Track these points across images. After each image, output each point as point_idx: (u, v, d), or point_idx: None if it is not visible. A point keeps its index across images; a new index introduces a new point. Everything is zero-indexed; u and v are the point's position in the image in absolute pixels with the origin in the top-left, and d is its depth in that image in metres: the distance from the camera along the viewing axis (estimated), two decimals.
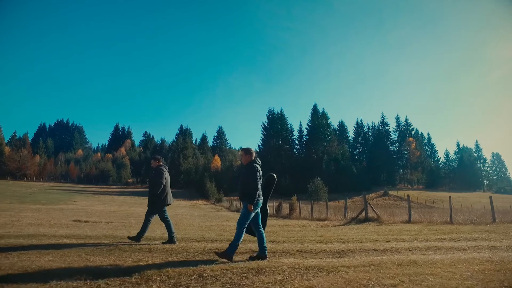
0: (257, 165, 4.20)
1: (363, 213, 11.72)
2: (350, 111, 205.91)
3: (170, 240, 5.49)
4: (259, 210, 4.23)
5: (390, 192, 60.26)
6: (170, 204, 5.74)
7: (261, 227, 4.32)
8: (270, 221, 14.15)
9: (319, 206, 21.31)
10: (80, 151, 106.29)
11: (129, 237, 5.61)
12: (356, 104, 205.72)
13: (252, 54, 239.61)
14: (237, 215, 23.26)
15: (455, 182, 72.60)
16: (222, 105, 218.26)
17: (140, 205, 28.71)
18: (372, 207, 11.82)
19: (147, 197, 5.89)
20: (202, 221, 12.86)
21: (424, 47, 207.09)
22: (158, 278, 2.99)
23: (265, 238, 4.26)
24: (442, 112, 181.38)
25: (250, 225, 4.25)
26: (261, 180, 4.24)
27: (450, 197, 11.85)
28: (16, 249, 4.40)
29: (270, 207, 24.11)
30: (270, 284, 2.88)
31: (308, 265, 3.66)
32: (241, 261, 4.01)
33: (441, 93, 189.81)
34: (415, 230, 8.45)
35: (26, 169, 67.23)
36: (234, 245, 3.97)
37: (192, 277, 3.05)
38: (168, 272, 3.18)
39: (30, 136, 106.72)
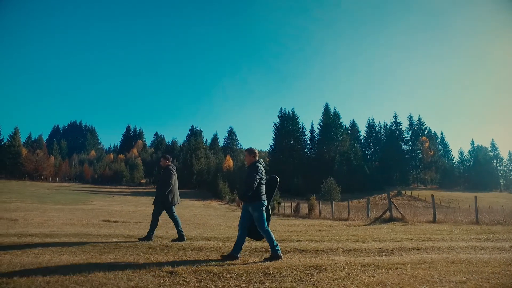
0: (260, 165, 4.22)
1: (388, 213, 11.72)
2: (362, 111, 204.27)
3: (180, 237, 5.63)
4: (264, 212, 4.16)
5: (404, 192, 59.52)
6: (177, 204, 5.85)
7: (245, 228, 4.24)
8: (293, 221, 14.28)
9: (336, 206, 21.29)
10: (93, 152, 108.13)
11: (139, 239, 5.65)
12: (367, 104, 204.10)
13: (263, 54, 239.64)
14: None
15: (470, 181, 71.28)
16: (232, 105, 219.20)
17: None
18: (396, 207, 11.82)
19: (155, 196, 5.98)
20: (226, 221, 13.04)
21: (437, 46, 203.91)
22: (228, 275, 3.14)
23: (244, 242, 4.21)
24: (455, 111, 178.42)
25: (253, 227, 4.23)
26: (264, 181, 4.23)
27: (475, 197, 11.74)
28: (80, 245, 4.65)
29: (287, 207, 24.36)
30: (339, 280, 2.99)
31: (362, 263, 3.75)
32: (257, 261, 4.12)
33: (454, 92, 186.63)
34: (445, 230, 8.44)
35: (42, 170, 68.80)
36: (273, 247, 4.02)
37: (260, 274, 3.20)
38: (235, 270, 3.33)
39: (45, 138, 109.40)
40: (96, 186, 63.73)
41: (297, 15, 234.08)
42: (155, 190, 6.25)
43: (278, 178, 4.55)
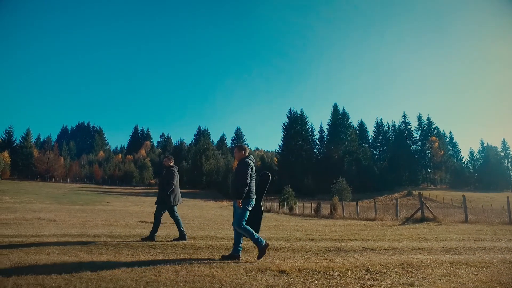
0: (250, 161, 4.09)
1: (419, 213, 11.77)
2: (370, 111, 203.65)
3: (182, 237, 5.69)
4: (248, 210, 4.01)
5: (414, 192, 59.26)
6: (178, 204, 5.92)
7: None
8: (319, 221, 14.36)
9: (349, 206, 21.29)
10: (101, 153, 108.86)
11: (143, 238, 5.71)
12: (375, 104, 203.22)
13: (270, 54, 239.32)
14: (268, 215, 23.61)
15: (480, 182, 70.76)
16: (239, 106, 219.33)
17: (176, 206, 29.40)
18: (427, 207, 11.85)
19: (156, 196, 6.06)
20: None
21: (445, 45, 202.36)
22: (332, 272, 3.25)
23: (242, 240, 4.09)
24: (464, 111, 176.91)
25: (249, 223, 4.06)
26: (255, 177, 4.12)
27: (508, 197, 11.69)
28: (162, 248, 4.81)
29: (307, 208, 24.41)
30: (445, 276, 3.10)
31: (447, 261, 3.83)
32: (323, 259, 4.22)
33: (462, 91, 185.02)
34: (487, 230, 8.45)
35: (54, 170, 69.70)
36: (257, 242, 3.87)
37: (362, 271, 3.31)
38: (334, 268, 3.43)
39: (53, 139, 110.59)
40: (107, 187, 64.33)
41: (304, 14, 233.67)
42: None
43: (270, 175, 4.41)
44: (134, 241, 5.48)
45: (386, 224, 11.09)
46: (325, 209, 19.30)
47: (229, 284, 2.72)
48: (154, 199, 6.65)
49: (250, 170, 3.98)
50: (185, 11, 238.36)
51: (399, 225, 10.91)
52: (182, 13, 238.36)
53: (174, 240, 5.65)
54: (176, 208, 5.95)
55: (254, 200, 4.05)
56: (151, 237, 5.65)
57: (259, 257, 3.86)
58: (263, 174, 4.39)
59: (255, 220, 4.17)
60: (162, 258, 3.94)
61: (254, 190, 4.06)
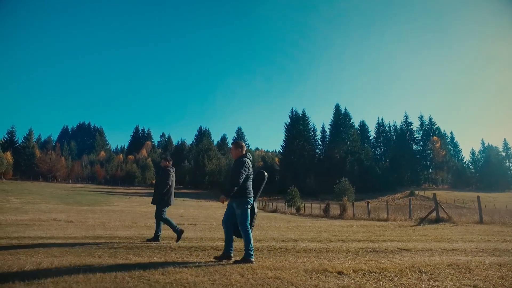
0: (247, 160, 3.99)
1: (433, 213, 11.85)
2: (371, 111, 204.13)
3: (155, 238, 5.67)
4: (249, 210, 3.93)
5: (416, 192, 59.46)
6: (171, 205, 5.90)
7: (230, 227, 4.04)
8: (330, 222, 14.41)
9: (356, 207, 21.35)
10: (102, 153, 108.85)
11: (148, 239, 5.74)
12: (377, 104, 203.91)
13: (270, 55, 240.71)
14: (276, 215, 23.69)
15: (482, 182, 70.93)
16: (240, 106, 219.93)
17: (182, 207, 29.47)
18: (442, 208, 11.92)
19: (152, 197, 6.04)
20: (269, 223, 13.21)
21: (445, 46, 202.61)
22: (388, 273, 3.33)
23: (233, 241, 4.03)
24: (464, 111, 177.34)
25: (233, 225, 4.00)
26: (251, 176, 4.01)
27: None
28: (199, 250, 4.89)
29: (316, 208, 24.50)
30: (505, 279, 3.17)
31: (494, 263, 3.89)
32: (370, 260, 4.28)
33: (462, 91, 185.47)
34: (508, 231, 8.53)
35: (56, 171, 69.67)
36: (248, 249, 3.79)
37: (417, 273, 3.38)
38: (387, 269, 3.50)
39: (54, 139, 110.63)
40: (109, 187, 64.29)
41: (304, 14, 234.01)
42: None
43: (266, 174, 4.33)
44: (170, 243, 5.54)
45: (402, 225, 11.16)
46: (334, 209, 19.35)
47: (302, 285, 2.79)
48: None
49: (246, 170, 3.89)
50: (185, 11, 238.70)
51: (415, 225, 10.97)
52: (182, 13, 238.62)
53: (148, 240, 5.66)
54: (166, 209, 5.90)
55: (252, 199, 3.96)
56: (179, 235, 5.66)
57: (239, 262, 3.71)
58: (259, 173, 4.31)
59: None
60: (210, 260, 3.99)
61: (251, 189, 3.98)
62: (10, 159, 63.47)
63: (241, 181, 3.82)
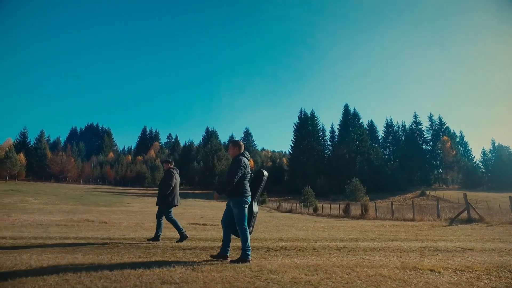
0: (244, 159, 3.98)
1: (465, 213, 11.83)
2: (379, 111, 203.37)
3: (182, 237, 5.72)
4: (246, 210, 3.89)
5: (427, 192, 59.08)
6: (176, 205, 5.96)
7: (228, 227, 4.02)
8: (355, 222, 14.43)
9: (371, 207, 21.28)
10: (111, 154, 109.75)
11: (148, 239, 5.81)
12: (384, 104, 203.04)
13: (278, 54, 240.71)
14: (293, 215, 23.71)
15: (493, 182, 70.16)
16: (246, 106, 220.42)
17: (197, 208, 29.67)
18: (473, 208, 11.89)
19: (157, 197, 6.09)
20: (295, 222, 13.30)
21: (454, 44, 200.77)
22: (471, 275, 3.40)
23: (230, 240, 3.97)
24: (473, 110, 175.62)
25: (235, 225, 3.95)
26: (249, 175, 3.99)
27: None
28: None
29: (334, 208, 24.46)
30: None
31: None
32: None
33: (472, 90, 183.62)
34: None
35: (67, 172, 70.38)
36: (245, 249, 3.74)
37: (506, 273, 3.44)
38: (474, 268, 3.57)
39: (62, 140, 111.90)
40: (120, 188, 64.83)
41: (314, 13, 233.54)
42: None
43: (265, 172, 4.25)
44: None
45: (434, 225, 11.14)
46: (355, 209, 19.35)
47: (412, 282, 2.86)
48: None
49: (242, 169, 3.86)
50: (192, 11, 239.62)
51: (447, 226, 10.96)
52: (189, 13, 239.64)
53: (177, 241, 5.66)
54: (172, 210, 6.02)
55: (249, 198, 3.92)
56: (182, 236, 5.70)
57: (235, 261, 3.69)
58: (257, 171, 4.26)
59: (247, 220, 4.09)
60: (279, 258, 4.09)
61: (249, 188, 3.95)
62: (23, 160, 64.42)
63: (235, 179, 3.80)
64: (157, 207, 5.96)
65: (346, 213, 19.28)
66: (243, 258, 3.69)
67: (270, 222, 13.86)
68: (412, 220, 13.84)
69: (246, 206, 3.87)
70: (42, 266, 3.32)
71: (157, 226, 5.90)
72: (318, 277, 2.92)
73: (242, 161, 3.90)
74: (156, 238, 5.78)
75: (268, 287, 2.59)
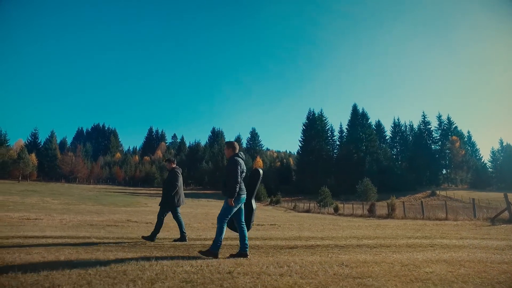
0: (239, 159, 4.10)
1: (505, 213, 11.86)
2: (386, 111, 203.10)
3: (182, 238, 5.69)
4: (242, 206, 4.08)
5: (437, 192, 58.97)
6: (182, 205, 5.94)
7: (244, 223, 4.13)
8: (396, 222, 14.42)
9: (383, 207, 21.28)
10: (118, 154, 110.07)
11: (143, 237, 5.75)
12: (392, 104, 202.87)
13: (285, 54, 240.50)
14: (313, 215, 23.79)
15: (503, 181, 69.84)
16: (251, 106, 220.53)
17: (214, 208, 29.75)
18: None
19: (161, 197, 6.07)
20: (314, 221, 13.37)
21: (461, 44, 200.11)
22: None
23: (247, 235, 4.07)
24: (480, 110, 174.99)
25: (233, 221, 4.15)
26: (244, 174, 4.09)
27: None
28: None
29: (358, 208, 24.48)
30: None
31: None
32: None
33: (479, 90, 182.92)
34: None
35: (77, 172, 70.75)
36: (217, 241, 3.88)
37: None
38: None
39: (69, 141, 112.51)
40: (131, 188, 65.12)
41: (320, 11, 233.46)
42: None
43: (260, 171, 4.38)
44: (284, 245, 5.75)
45: (477, 224, 11.18)
46: (380, 209, 19.40)
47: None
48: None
49: (239, 168, 3.97)
50: (197, 11, 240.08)
51: (489, 225, 11.00)
52: (195, 13, 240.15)
53: (174, 240, 5.68)
54: (179, 209, 5.98)
55: (244, 196, 4.04)
56: (152, 237, 5.62)
57: (203, 253, 3.89)
58: (254, 171, 4.38)
59: (246, 217, 4.21)
60: (318, 258, 4.20)
61: (243, 187, 4.08)
62: (35, 161, 64.91)
63: (239, 179, 3.93)
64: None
65: (371, 213, 19.33)
66: (211, 252, 3.85)
67: (304, 222, 13.92)
68: (446, 219, 13.86)
69: (238, 205, 3.98)
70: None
71: (157, 226, 5.77)
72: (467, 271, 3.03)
73: (238, 161, 4.03)
74: (152, 237, 5.65)
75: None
